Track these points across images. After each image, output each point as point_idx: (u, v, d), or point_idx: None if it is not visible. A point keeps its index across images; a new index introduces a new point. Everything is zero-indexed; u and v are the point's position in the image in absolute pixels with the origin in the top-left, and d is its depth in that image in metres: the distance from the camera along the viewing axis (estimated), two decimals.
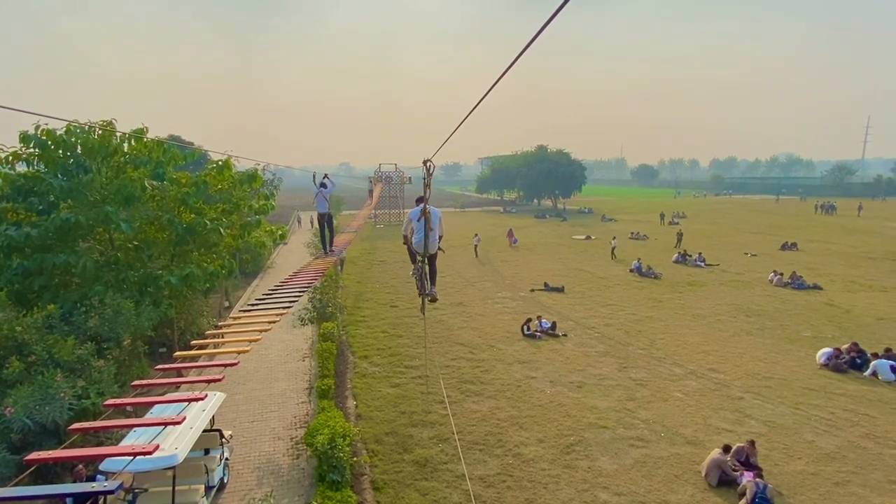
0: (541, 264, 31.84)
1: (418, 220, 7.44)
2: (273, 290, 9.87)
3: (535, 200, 79.91)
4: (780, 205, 76.60)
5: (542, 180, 72.03)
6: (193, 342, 7.39)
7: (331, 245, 14.66)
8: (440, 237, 7.72)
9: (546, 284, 25.32)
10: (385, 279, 28.03)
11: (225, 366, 5.89)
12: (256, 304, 8.95)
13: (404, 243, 7.89)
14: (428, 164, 6.39)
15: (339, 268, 31.03)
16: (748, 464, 10.33)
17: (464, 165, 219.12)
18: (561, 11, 2.28)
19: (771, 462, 10.58)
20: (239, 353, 6.56)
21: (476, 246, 35.14)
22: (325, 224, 14.25)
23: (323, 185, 13.50)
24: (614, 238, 34.66)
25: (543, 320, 18.78)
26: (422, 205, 7.31)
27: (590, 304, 22.53)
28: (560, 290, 24.66)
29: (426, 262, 7.69)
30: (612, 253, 33.10)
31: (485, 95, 3.73)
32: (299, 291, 9.65)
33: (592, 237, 42.09)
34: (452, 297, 23.97)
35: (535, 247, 39.37)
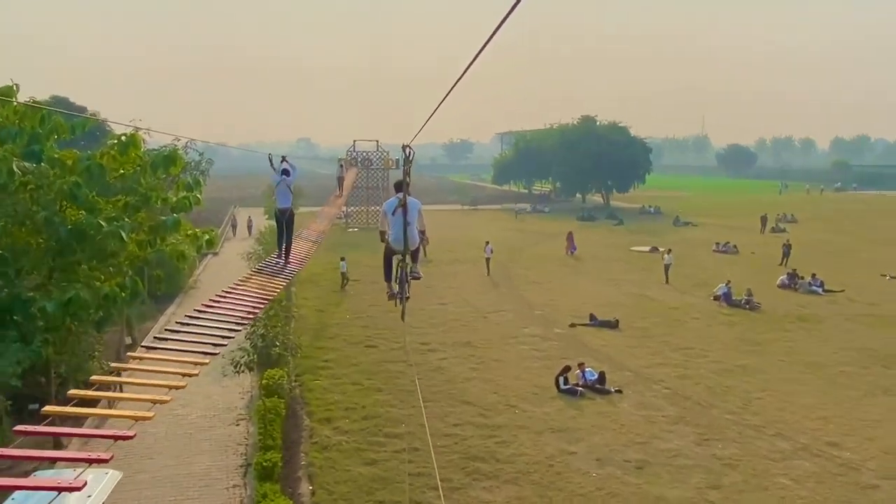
0: (585, 287, 31.73)
1: (393, 214, 8.50)
2: (197, 313, 9.78)
3: (578, 195, 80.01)
4: None
5: (589, 166, 72.31)
6: (72, 392, 7.28)
7: (287, 254, 14.76)
8: (422, 232, 8.94)
9: (592, 317, 25.32)
10: (359, 306, 28.03)
11: (116, 438, 5.80)
12: (169, 337, 8.87)
13: (382, 240, 9.04)
14: (407, 151, 7.41)
15: (343, 285, 31.43)
16: None
17: (476, 144, 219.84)
18: None
19: None
20: (136, 419, 6.47)
21: (488, 259, 35.42)
22: (285, 223, 14.35)
23: (285, 172, 13.74)
24: (668, 251, 34.51)
25: (588, 370, 18.75)
26: (399, 194, 8.42)
27: (656, 346, 22.49)
28: (613, 325, 24.67)
29: (405, 258, 8.86)
30: (666, 273, 33.15)
31: (486, 43, 3.70)
32: (235, 324, 9.56)
33: (660, 249, 42.00)
34: (457, 333, 23.91)
35: (578, 262, 39.34)
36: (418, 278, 9.07)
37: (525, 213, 68.41)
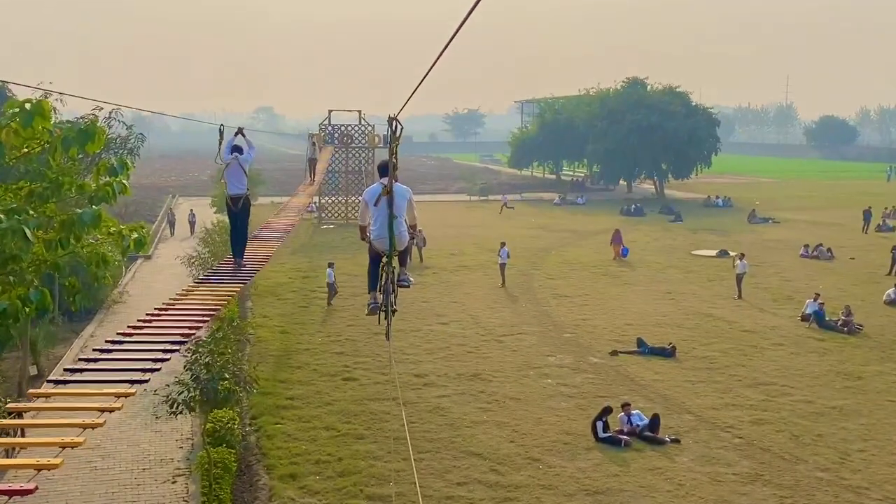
0: (631, 303, 31.93)
1: (376, 204, 8.85)
2: (122, 337, 9.74)
3: (623, 182, 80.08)
4: None
5: (637, 144, 72.56)
6: None
7: (241, 253, 14.86)
8: (413, 227, 9.41)
9: (641, 342, 25.44)
10: (335, 326, 28.21)
11: (11, 494, 5.80)
12: (84, 368, 8.80)
13: (361, 238, 9.49)
14: (395, 125, 7.98)
15: (330, 299, 31.11)
16: None
17: (489, 116, 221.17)
18: None
19: None
20: (40, 468, 6.33)
21: (503, 266, 35.65)
22: (238, 215, 14.50)
23: (237, 149, 13.88)
24: (741, 257, 34.42)
25: (635, 412, 18.80)
26: (384, 180, 8.79)
27: (724, 381, 22.48)
28: (668, 353, 24.78)
29: (391, 260, 9.13)
30: (738, 285, 33.27)
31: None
32: (171, 344, 9.50)
33: (731, 253, 42.00)
34: (462, 362, 23.94)
35: (623, 269, 39.54)
36: (407, 286, 9.45)
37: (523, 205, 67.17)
